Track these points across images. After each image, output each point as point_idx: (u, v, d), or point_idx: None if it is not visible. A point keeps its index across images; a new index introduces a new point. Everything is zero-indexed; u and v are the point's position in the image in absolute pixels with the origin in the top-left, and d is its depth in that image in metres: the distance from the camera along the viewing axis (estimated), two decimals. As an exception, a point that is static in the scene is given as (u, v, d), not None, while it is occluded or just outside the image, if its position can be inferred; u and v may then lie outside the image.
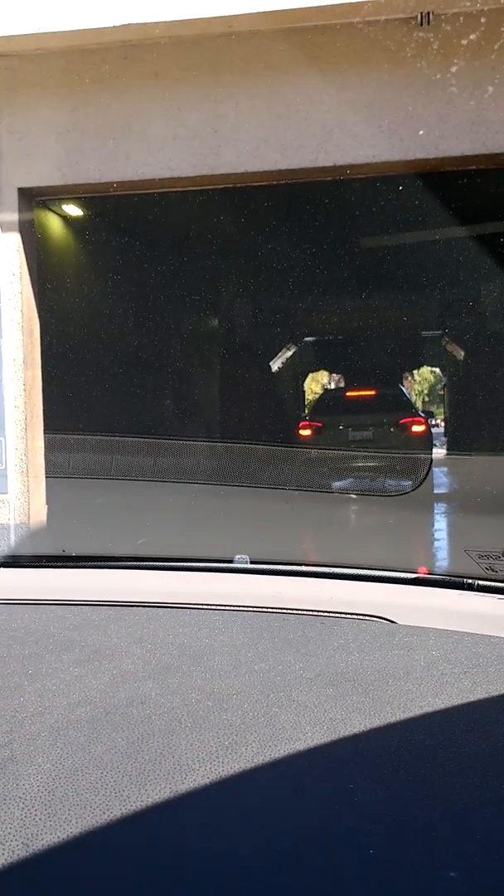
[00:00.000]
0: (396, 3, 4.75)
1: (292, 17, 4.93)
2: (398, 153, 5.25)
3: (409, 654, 1.16)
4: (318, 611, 1.40)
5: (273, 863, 0.69)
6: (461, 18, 4.91)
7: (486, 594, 1.44)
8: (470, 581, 1.47)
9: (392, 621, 1.35)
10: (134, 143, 5.54)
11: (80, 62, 5.44)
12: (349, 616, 1.38)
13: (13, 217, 5.70)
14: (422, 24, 4.92)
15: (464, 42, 4.99)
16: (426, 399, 32.44)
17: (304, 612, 1.40)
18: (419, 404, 24.93)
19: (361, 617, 1.37)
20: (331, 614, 1.39)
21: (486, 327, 12.50)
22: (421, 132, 5.18)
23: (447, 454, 13.39)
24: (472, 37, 4.97)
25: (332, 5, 4.76)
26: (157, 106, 5.48)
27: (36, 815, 0.76)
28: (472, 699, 1.00)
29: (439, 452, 13.11)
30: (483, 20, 4.90)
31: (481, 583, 1.46)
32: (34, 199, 5.98)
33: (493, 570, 1.48)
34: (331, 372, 22.66)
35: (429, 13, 4.88)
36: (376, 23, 4.99)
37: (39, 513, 5.91)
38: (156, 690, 1.03)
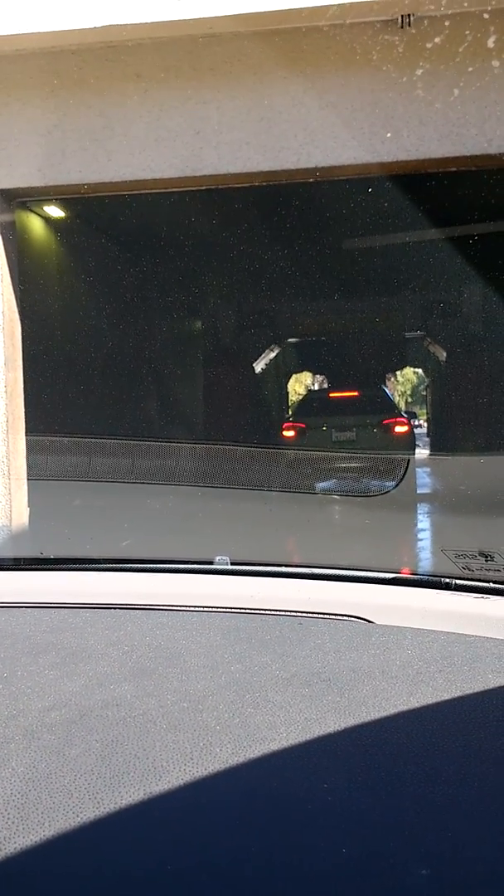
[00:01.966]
0: (377, 5, 4.77)
1: (272, 19, 4.94)
2: (379, 155, 5.28)
3: (385, 654, 1.16)
4: (295, 611, 1.40)
5: (247, 863, 0.69)
6: (440, 22, 4.94)
7: (462, 593, 1.44)
8: (447, 581, 1.48)
9: (369, 621, 1.35)
10: (115, 145, 5.53)
11: (61, 63, 5.42)
12: (326, 616, 1.38)
13: (-6, 218, 5.69)
14: (402, 27, 4.94)
15: (443, 45, 5.02)
16: (409, 400, 32.55)
17: (282, 613, 1.40)
18: (402, 405, 24.98)
19: (338, 617, 1.37)
20: (308, 615, 1.39)
21: (467, 329, 12.58)
22: (402, 134, 5.21)
23: (430, 455, 13.45)
24: (452, 40, 5.00)
25: (312, 7, 4.77)
26: (139, 107, 5.48)
27: (9, 818, 0.75)
28: (445, 698, 1.00)
29: (422, 453, 13.16)
30: (462, 24, 4.93)
31: (458, 582, 1.47)
32: (15, 200, 5.96)
33: (469, 570, 1.49)
34: (314, 373, 22.69)
35: (409, 16, 4.90)
36: (357, 25, 5.01)
37: (21, 515, 5.88)
38: (131, 692, 1.03)
